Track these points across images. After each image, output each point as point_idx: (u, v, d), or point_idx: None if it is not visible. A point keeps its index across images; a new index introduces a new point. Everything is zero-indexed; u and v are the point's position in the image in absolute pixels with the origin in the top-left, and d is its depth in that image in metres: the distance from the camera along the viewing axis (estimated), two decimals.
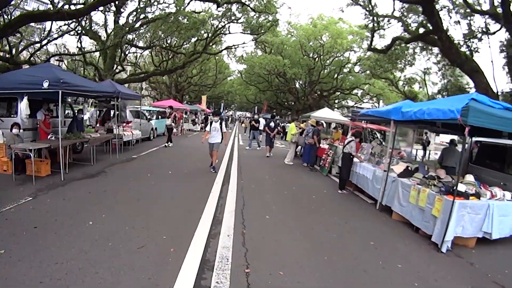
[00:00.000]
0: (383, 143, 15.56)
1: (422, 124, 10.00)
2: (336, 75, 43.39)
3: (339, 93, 48.54)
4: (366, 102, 52.89)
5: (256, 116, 21.92)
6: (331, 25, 39.24)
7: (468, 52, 17.05)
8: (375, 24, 19.26)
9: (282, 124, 34.37)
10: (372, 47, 20.63)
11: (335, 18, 40.32)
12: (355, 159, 11.68)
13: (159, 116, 25.76)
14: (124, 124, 17.26)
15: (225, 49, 34.50)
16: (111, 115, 17.04)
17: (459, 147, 12.30)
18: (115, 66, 25.96)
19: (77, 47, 25.46)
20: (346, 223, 7.91)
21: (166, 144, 18.96)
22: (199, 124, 38.90)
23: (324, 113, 20.89)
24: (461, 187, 7.01)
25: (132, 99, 17.89)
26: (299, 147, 18.19)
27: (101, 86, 14.19)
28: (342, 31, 38.65)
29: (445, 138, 50.67)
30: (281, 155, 19.38)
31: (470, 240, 7.20)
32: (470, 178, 7.70)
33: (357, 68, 43.39)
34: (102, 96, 14.02)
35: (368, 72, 40.91)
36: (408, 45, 22.57)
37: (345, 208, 9.47)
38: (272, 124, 19.60)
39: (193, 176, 11.32)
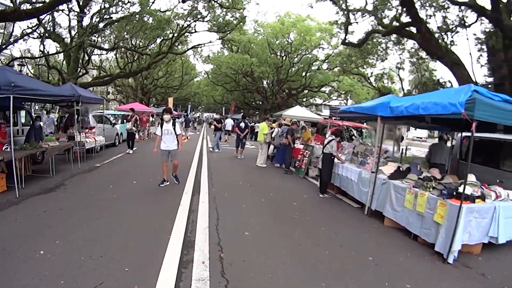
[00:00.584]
0: (361, 141, 14.85)
1: (410, 120, 9.17)
2: (304, 73, 43.00)
3: (307, 91, 47.87)
4: (335, 99, 52.80)
5: (217, 116, 20.75)
6: (299, 22, 38.84)
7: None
8: (348, 19, 18.53)
9: (251, 124, 33.85)
10: (346, 41, 19.88)
11: (303, 15, 40.10)
12: (336, 160, 10.85)
13: (124, 120, 24.47)
14: (87, 130, 16.05)
15: (191, 48, 33.23)
16: (74, 121, 15.73)
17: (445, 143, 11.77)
18: (79, 69, 24.53)
19: (40, 50, 24.01)
20: (336, 234, 7.00)
21: (128, 151, 17.50)
22: None
23: (296, 112, 20.12)
24: (467, 190, 6.17)
25: (94, 103, 16.63)
26: (271, 148, 17.27)
27: (60, 90, 12.97)
28: (310, 27, 38.19)
29: (419, 133, 50.68)
30: (253, 156, 18.56)
31: (475, 246, 6.45)
32: (472, 178, 6.86)
33: (325, 66, 42.92)
34: (59, 100, 12.74)
35: (337, 69, 40.94)
36: (380, 39, 22.13)
37: (331, 216, 8.61)
38: (242, 124, 19.04)
39: (160, 186, 10.23)
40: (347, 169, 10.36)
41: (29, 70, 27.81)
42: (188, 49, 33.32)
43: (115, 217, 7.03)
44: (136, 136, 26.91)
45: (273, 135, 15.94)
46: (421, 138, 53.31)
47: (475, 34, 16.74)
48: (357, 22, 19.55)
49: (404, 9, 15.89)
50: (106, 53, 33.89)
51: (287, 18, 40.49)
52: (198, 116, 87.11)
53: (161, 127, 10.31)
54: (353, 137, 17.58)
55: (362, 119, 12.88)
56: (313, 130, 20.28)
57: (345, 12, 18.54)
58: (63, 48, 23.26)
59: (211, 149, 19.90)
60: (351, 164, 10.77)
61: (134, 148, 19.00)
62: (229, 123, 30.75)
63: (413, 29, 16.87)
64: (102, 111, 19.70)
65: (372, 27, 18.87)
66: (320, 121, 19.10)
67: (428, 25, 16.10)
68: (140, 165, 14.05)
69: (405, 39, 21.25)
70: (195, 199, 8.90)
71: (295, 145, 15.55)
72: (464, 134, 10.93)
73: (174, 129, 10.24)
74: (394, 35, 20.76)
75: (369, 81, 28.23)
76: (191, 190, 9.87)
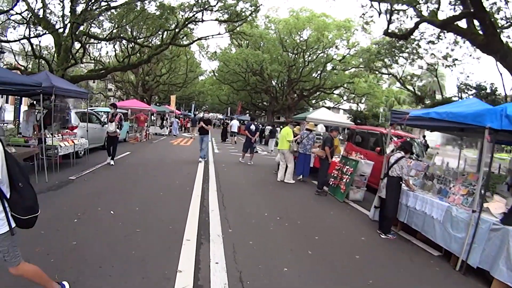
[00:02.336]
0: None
1: None
2: (319, 73, 40.03)
3: (320, 92, 44.95)
4: (345, 102, 49.89)
5: (206, 115, 17.13)
6: (314, 17, 35.79)
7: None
8: (392, 6, 15.45)
9: (261, 127, 31.34)
10: (389, 31, 16.71)
11: (317, 12, 37.04)
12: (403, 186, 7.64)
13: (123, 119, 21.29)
14: (66, 131, 12.84)
15: (197, 39, 29.81)
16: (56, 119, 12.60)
17: None
18: (69, 59, 21.48)
19: (25, 37, 21.05)
20: None
21: (108, 161, 13.17)
22: (167, 128, 34.58)
23: (322, 114, 16.77)
24: None
25: (75, 97, 13.42)
26: (277, 158, 14.25)
27: (22, 78, 10.24)
28: (328, 23, 35.15)
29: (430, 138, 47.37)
30: (268, 165, 15.81)
31: None
32: None
33: (339, 66, 39.55)
34: (18, 90, 9.53)
35: (353, 69, 38.64)
36: (413, 36, 19.20)
37: (412, 272, 5.73)
38: (253, 127, 17.13)
39: (148, 220, 6.82)
40: (422, 200, 7.12)
41: (16, 61, 24.76)
42: (193, 41, 29.96)
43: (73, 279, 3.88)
44: (139, 135, 24.00)
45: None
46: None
47: None
48: (404, 11, 16.50)
49: None
50: (106, 46, 32.24)
51: (303, 13, 37.52)
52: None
53: None
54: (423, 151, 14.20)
55: (449, 129, 9.25)
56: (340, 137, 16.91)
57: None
58: (55, 37, 20.34)
59: (199, 160, 15.47)
60: (424, 192, 7.55)
61: (125, 154, 15.78)
62: (235, 124, 28.96)
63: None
64: (98, 107, 16.27)
65: (419, 17, 15.69)
66: (352, 127, 15.75)
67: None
68: (127, 180, 10.71)
69: (452, 38, 18.59)
70: (203, 252, 5.46)
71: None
72: None
73: None
74: (436, 31, 18.03)
75: (401, 81, 24.70)
76: (195, 229, 6.44)
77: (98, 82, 55.29)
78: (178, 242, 5.67)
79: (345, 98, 47.76)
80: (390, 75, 27.13)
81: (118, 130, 13.29)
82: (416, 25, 15.70)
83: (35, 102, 13.40)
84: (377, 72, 27.95)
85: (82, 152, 13.72)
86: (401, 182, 7.53)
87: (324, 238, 6.79)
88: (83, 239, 5.53)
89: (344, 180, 10.60)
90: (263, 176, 13.64)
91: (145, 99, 41.52)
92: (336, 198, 10.71)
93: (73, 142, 12.12)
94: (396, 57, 22.86)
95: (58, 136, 11.73)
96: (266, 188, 11.41)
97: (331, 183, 11.32)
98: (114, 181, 10.39)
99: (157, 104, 49.47)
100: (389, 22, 16.19)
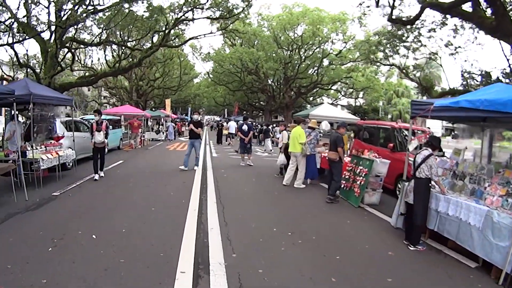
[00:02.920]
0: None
1: None
2: (316, 68, 38.89)
3: (317, 89, 44.04)
4: (343, 98, 48.94)
5: (195, 117, 15.36)
6: (308, 12, 34.77)
7: None
8: None
9: (259, 127, 30.50)
10: (393, 17, 15.73)
11: (310, 7, 36.04)
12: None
13: (110, 126, 20.20)
14: (51, 141, 11.74)
15: (189, 39, 28.66)
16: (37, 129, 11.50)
17: None
18: (56, 66, 20.48)
19: (7, 43, 20.05)
20: None
21: (94, 176, 11.50)
22: (163, 133, 33.41)
23: (326, 111, 15.75)
24: None
25: (57, 104, 12.31)
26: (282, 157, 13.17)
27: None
28: (323, 17, 34.16)
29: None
30: (269, 167, 14.87)
31: None
32: None
33: (336, 61, 38.45)
34: None
35: (350, 64, 37.82)
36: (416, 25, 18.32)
37: None
38: (245, 127, 16.60)
39: (136, 246, 5.73)
40: (456, 204, 6.11)
41: (3, 71, 23.77)
42: (185, 41, 28.89)
43: None
44: (133, 142, 22.93)
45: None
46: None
47: None
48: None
49: None
50: (97, 53, 30.89)
51: (296, 8, 36.64)
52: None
53: None
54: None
55: (473, 120, 8.12)
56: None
57: None
58: (41, 44, 19.55)
59: (182, 166, 13.88)
60: (456, 194, 6.57)
61: (117, 163, 14.76)
62: (232, 125, 28.18)
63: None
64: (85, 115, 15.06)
65: (422, 3, 14.71)
66: (359, 123, 14.67)
67: None
68: (117, 193, 9.63)
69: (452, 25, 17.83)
70: (203, 282, 4.48)
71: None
72: None
73: None
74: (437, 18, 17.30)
75: (404, 72, 23.58)
76: (191, 262, 5.20)
77: (92, 90, 54.14)
78: (170, 276, 4.57)
79: (342, 93, 46.83)
80: (392, 66, 26.05)
81: (105, 140, 11.89)
82: (422, 10, 14.73)
83: (17, 112, 12.38)
84: (378, 64, 26.79)
85: (70, 164, 12.69)
86: (430, 184, 6.50)
87: (346, 257, 5.71)
88: (56, 275, 4.50)
89: (358, 183, 9.53)
90: (266, 181, 12.56)
91: (140, 105, 40.66)
92: (350, 202, 9.65)
93: (57, 153, 11.06)
94: (398, 47, 21.83)
95: (41, 148, 10.71)
96: (271, 195, 10.30)
97: (342, 186, 10.23)
98: (102, 195, 9.29)
99: (153, 109, 48.40)
100: (392, 7, 15.24)
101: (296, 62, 38.59)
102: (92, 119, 21.81)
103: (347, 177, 10.25)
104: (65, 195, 9.09)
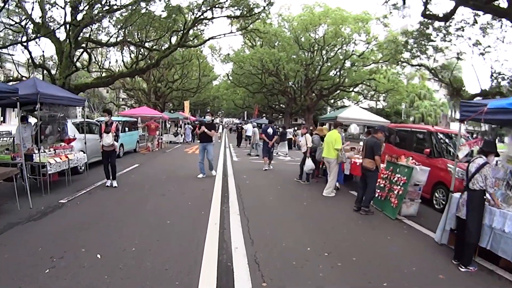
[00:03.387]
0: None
1: None
2: (338, 70, 38.04)
3: (339, 91, 42.76)
4: (364, 100, 47.64)
5: (208, 118, 13.44)
6: (330, 11, 33.87)
7: None
8: None
9: (280, 130, 29.70)
10: (427, 12, 14.83)
11: (331, 7, 35.07)
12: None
13: (126, 128, 19.52)
14: (61, 144, 11.10)
15: (208, 39, 27.81)
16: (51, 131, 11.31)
17: None
18: (71, 66, 20.00)
19: (20, 42, 19.70)
20: None
21: (106, 182, 10.55)
22: (181, 135, 32.76)
23: (355, 113, 14.73)
24: None
25: (68, 105, 11.58)
26: (308, 165, 12.10)
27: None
28: (346, 17, 33.16)
29: None
30: (293, 172, 13.73)
31: None
32: None
33: (358, 62, 37.34)
34: None
35: (373, 65, 36.94)
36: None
37: None
38: (270, 130, 15.93)
39: (146, 270, 4.86)
40: None
41: (18, 72, 23.42)
42: (204, 41, 28.17)
43: None
44: (150, 145, 22.24)
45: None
46: None
47: None
48: None
49: None
50: (115, 54, 30.44)
51: (317, 8, 35.61)
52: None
53: None
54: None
55: None
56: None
57: None
58: (57, 45, 19.13)
59: (200, 175, 12.71)
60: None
61: (133, 167, 14.04)
62: (249, 128, 27.07)
63: None
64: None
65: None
66: (391, 126, 13.62)
67: None
68: (128, 203, 8.72)
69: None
70: None
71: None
72: None
73: None
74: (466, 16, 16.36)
75: (433, 72, 22.42)
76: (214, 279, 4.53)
77: (110, 92, 53.89)
78: None
79: (363, 95, 45.37)
80: (420, 67, 24.98)
81: (115, 143, 10.73)
82: (456, 5, 13.84)
83: (26, 113, 11.70)
84: (404, 65, 25.71)
85: (82, 168, 12.03)
86: (484, 197, 5.57)
87: (394, 284, 4.79)
88: None
89: (395, 192, 8.55)
90: (292, 188, 11.58)
91: (158, 107, 40.14)
92: (386, 214, 8.69)
93: (67, 157, 10.31)
94: (425, 47, 20.85)
95: (50, 151, 10.01)
96: (300, 205, 9.31)
97: (376, 195, 9.27)
98: (113, 204, 8.45)
99: (171, 111, 47.84)
100: (426, 3, 14.30)
101: (317, 63, 37.78)
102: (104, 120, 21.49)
103: (382, 185, 9.29)
104: (73, 202, 8.34)
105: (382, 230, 7.45)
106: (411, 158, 9.08)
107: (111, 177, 10.54)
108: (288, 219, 7.86)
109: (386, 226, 7.84)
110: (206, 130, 12.55)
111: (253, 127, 24.82)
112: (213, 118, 13.27)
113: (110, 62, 37.84)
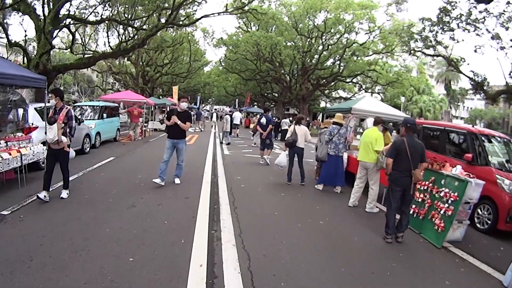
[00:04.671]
0: None
1: None
2: (338, 59, 36.10)
3: (336, 82, 40.67)
4: (359, 92, 45.51)
5: (183, 104, 9.66)
6: None
7: None
8: None
9: (276, 120, 27.90)
10: None
11: None
12: None
13: (103, 115, 17.12)
14: (18, 135, 8.78)
15: (201, 18, 25.22)
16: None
17: None
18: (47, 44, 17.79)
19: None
20: None
21: (42, 195, 6.93)
22: None
23: (371, 105, 12.57)
24: None
25: (23, 86, 9.25)
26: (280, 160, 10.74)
27: None
28: (350, 2, 31.06)
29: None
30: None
31: None
32: None
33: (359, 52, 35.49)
34: None
35: (373, 56, 35.78)
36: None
37: None
38: (263, 120, 14.91)
39: None
40: None
41: None
42: (196, 20, 25.79)
43: None
44: (132, 133, 19.99)
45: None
46: None
47: None
48: None
49: None
50: (103, 36, 28.78)
51: None
52: (208, 110, 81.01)
53: None
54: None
55: None
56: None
57: None
58: (35, 22, 17.31)
59: (157, 180, 9.18)
60: None
61: (106, 161, 11.85)
62: (237, 116, 27.11)
63: None
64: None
65: None
66: (418, 122, 11.21)
67: None
68: (87, 217, 6.30)
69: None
70: None
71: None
72: None
73: None
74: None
75: (453, 63, 20.24)
76: None
77: (100, 76, 51.69)
78: None
79: (358, 87, 43.06)
80: (437, 57, 22.97)
81: (65, 138, 7.25)
82: None
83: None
84: (418, 54, 23.61)
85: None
86: None
87: None
88: None
89: (442, 212, 6.45)
90: (299, 195, 9.39)
91: (146, 92, 38.32)
92: (426, 239, 6.61)
93: (18, 151, 8.02)
94: (443, 33, 18.90)
95: (0, 144, 7.77)
96: (317, 226, 6.89)
97: (411, 212, 7.12)
98: (63, 222, 5.98)
99: (160, 96, 45.61)
100: None
101: (315, 51, 36.17)
102: (86, 105, 19.09)
103: (419, 200, 7.20)
104: (15, 217, 6.03)
105: (434, 268, 5.35)
106: (460, 167, 6.95)
107: (63, 187, 7.63)
108: (305, 251, 5.53)
109: (433, 257, 5.85)
110: (179, 122, 9.18)
111: (225, 114, 25.01)
112: (188, 106, 9.83)
113: (97, 45, 36.15)
